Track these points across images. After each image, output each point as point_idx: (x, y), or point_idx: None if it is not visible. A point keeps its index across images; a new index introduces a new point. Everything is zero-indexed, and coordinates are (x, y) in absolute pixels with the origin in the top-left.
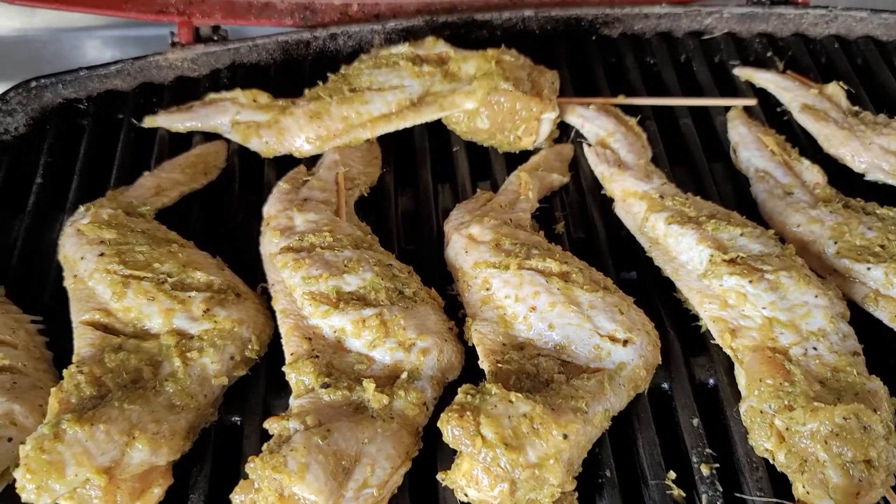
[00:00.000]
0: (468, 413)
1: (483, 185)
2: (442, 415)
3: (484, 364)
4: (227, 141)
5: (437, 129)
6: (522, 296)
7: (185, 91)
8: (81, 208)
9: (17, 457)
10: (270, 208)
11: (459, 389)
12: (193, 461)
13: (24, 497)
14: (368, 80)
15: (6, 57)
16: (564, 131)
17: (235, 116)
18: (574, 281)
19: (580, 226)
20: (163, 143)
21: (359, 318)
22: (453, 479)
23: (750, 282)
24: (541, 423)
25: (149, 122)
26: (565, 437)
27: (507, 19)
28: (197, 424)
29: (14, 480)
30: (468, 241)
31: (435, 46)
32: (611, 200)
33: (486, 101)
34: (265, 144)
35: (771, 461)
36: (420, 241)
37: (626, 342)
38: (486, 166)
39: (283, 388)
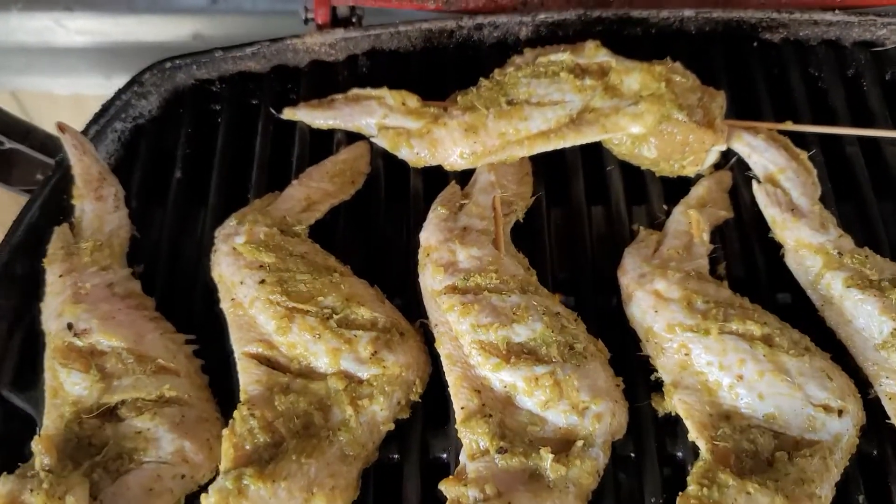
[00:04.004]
0: None
1: (637, 210)
2: None
3: (699, 441)
4: (370, 141)
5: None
6: (727, 364)
7: (322, 76)
8: (233, 220)
9: (184, 493)
10: (430, 237)
11: (690, 479)
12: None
13: None
14: (527, 92)
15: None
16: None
17: (383, 120)
18: (778, 345)
19: (740, 263)
20: (303, 139)
21: (532, 375)
22: None
23: None
24: None
25: (288, 114)
26: None
27: (665, 18)
28: (361, 471)
29: None
30: (656, 300)
31: (596, 55)
32: (774, 241)
33: (657, 131)
34: (416, 155)
35: None
36: (574, 270)
37: (840, 412)
38: (642, 189)
39: (440, 424)
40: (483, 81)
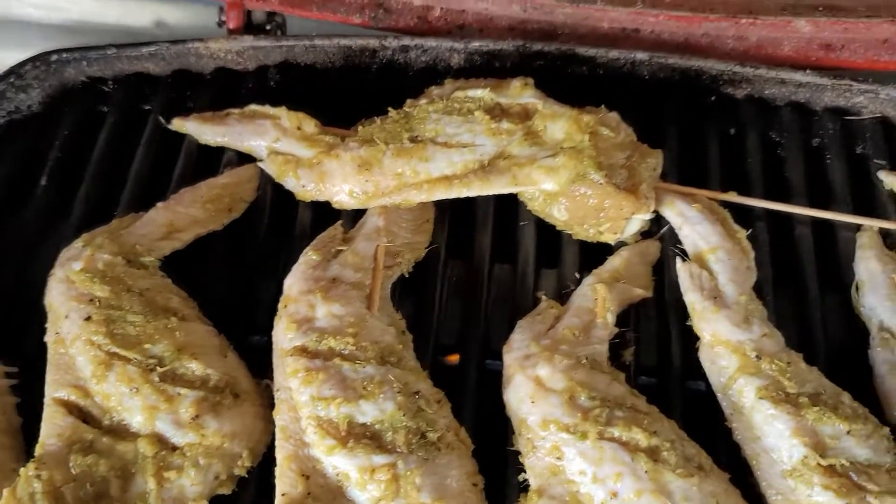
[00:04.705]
0: None
1: (548, 274)
2: None
3: None
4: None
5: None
6: (602, 476)
7: (226, 86)
8: (79, 243)
9: None
10: (293, 286)
11: None
12: None
13: None
14: (434, 130)
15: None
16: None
17: (274, 143)
18: (664, 461)
19: (651, 349)
20: (190, 155)
21: (368, 465)
22: None
23: None
24: None
25: (177, 125)
26: None
27: (615, 59)
28: None
29: None
30: (536, 388)
31: (521, 95)
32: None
33: (569, 191)
34: (302, 188)
35: None
36: (462, 335)
37: None
38: (556, 250)
39: (272, 493)
40: (391, 112)
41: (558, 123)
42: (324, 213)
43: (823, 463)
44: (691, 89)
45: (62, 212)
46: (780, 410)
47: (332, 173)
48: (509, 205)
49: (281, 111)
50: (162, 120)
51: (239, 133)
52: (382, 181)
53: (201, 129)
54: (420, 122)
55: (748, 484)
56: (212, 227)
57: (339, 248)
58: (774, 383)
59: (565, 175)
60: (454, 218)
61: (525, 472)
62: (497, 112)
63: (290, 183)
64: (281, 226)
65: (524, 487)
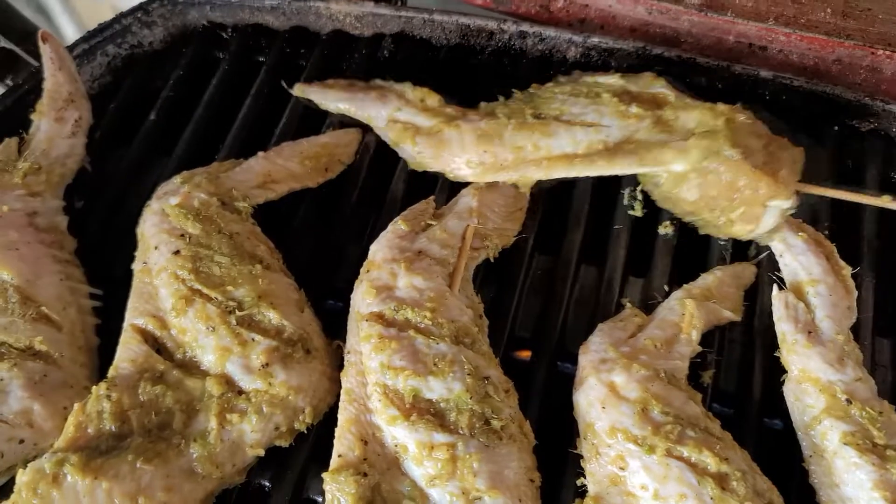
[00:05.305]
0: None
1: (634, 283)
2: None
3: None
4: (362, 132)
5: (607, 188)
6: (664, 494)
7: (339, 48)
8: (178, 179)
9: (25, 458)
10: (377, 252)
11: None
12: None
13: None
14: (559, 109)
15: None
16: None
17: (395, 112)
18: (733, 490)
19: (733, 377)
20: (294, 112)
21: (428, 441)
22: None
23: None
24: None
25: (299, 91)
26: None
27: (737, 74)
28: (215, 491)
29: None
30: (608, 394)
31: (652, 85)
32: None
33: (701, 167)
34: (418, 154)
35: None
36: (538, 330)
37: None
38: (647, 259)
39: (328, 455)
40: (516, 93)
41: (691, 114)
42: (417, 187)
43: None
44: (813, 115)
45: (165, 148)
46: (865, 460)
47: (451, 142)
48: (605, 207)
49: (406, 86)
50: (284, 84)
51: (361, 100)
52: (501, 153)
53: (324, 95)
54: (545, 101)
55: None
56: (307, 183)
57: (429, 222)
58: (862, 431)
59: (697, 155)
60: (547, 211)
61: (584, 476)
62: (626, 98)
63: (406, 150)
64: (373, 193)
65: (580, 492)
